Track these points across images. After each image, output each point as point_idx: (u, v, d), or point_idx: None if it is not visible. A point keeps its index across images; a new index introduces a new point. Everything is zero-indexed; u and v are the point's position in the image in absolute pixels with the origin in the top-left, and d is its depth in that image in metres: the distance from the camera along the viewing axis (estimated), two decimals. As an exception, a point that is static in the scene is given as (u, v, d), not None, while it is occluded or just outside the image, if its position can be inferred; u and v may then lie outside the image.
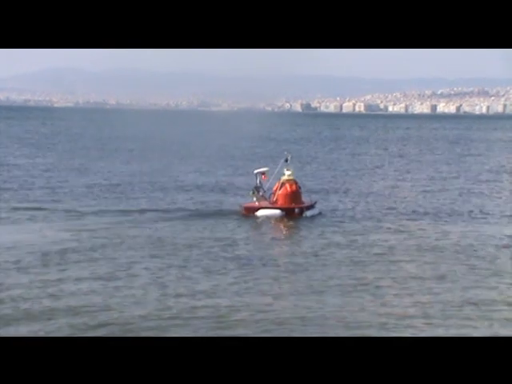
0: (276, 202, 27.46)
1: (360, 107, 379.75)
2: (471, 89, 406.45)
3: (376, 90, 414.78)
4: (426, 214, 28.87)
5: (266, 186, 27.92)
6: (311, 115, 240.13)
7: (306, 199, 28.30)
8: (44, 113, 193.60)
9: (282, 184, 27.46)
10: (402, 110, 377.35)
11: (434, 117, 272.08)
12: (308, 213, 27.30)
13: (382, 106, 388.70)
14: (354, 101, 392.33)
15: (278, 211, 26.96)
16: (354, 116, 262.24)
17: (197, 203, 30.67)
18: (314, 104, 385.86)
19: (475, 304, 15.91)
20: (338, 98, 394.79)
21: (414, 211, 29.47)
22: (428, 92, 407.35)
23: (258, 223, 26.10)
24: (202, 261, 19.88)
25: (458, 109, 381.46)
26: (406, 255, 21.04)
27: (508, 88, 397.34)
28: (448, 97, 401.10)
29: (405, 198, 33.71)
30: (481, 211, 30.43)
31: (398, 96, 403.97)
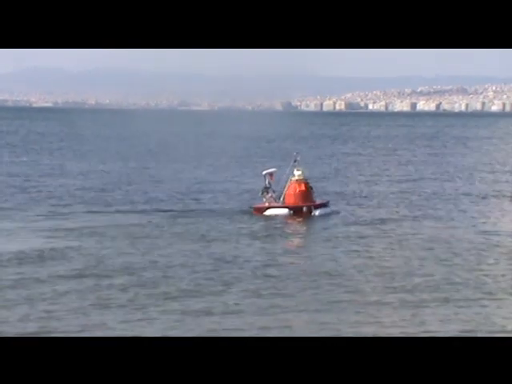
0: (286, 201, 27.90)
1: (341, 105, 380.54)
2: (450, 87, 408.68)
3: (356, 88, 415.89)
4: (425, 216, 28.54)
5: (278, 186, 28.23)
6: (292, 114, 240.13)
7: (318, 199, 28.60)
8: (21, 113, 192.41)
9: (292, 184, 27.85)
10: (383, 108, 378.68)
11: (414, 114, 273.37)
12: (317, 212, 27.40)
13: (362, 104, 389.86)
14: (334, 99, 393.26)
15: (285, 210, 27.36)
16: (334, 114, 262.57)
17: (209, 203, 30.96)
18: (295, 103, 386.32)
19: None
20: (318, 97, 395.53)
21: (416, 214, 29.38)
22: (408, 90, 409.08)
23: (265, 222, 26.30)
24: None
25: (437, 106, 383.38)
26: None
27: (486, 86, 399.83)
28: (427, 95, 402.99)
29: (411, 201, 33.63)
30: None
31: (378, 94, 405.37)
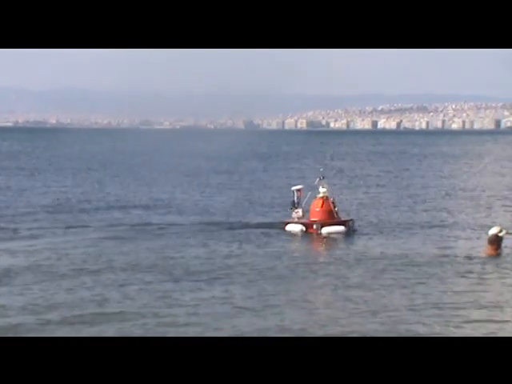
0: (309, 217, 28.32)
1: (302, 124, 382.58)
2: (411, 105, 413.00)
3: (318, 106, 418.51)
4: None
5: (304, 202, 28.65)
6: (255, 132, 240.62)
7: (342, 216, 28.69)
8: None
9: (315, 201, 28.31)
10: (344, 127, 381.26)
11: (375, 132, 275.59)
12: (324, 230, 27.56)
13: (323, 122, 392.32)
14: (296, 117, 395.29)
15: (299, 226, 27.92)
16: (295, 132, 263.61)
17: (242, 217, 31.70)
18: (257, 121, 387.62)
19: None
20: (280, 115, 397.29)
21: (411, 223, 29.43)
22: (369, 108, 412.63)
23: (278, 237, 26.79)
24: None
25: (398, 125, 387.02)
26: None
27: (446, 104, 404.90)
28: (388, 113, 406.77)
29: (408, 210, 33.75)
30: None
31: (340, 112, 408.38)
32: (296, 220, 28.23)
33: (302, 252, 24.72)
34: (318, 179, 28.54)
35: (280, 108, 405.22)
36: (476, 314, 16.02)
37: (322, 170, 29.38)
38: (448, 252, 23.80)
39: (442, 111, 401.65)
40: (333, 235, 27.24)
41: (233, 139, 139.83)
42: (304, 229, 27.74)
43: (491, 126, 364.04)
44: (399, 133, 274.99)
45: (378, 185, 48.77)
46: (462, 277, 20.07)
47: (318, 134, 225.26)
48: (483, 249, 23.46)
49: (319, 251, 25.40)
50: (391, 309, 16.40)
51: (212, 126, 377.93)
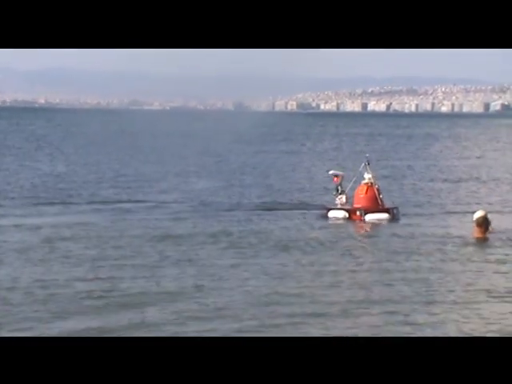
0: (354, 203, 27.63)
1: (292, 106, 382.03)
2: (400, 88, 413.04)
3: (308, 88, 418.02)
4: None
5: (347, 188, 27.92)
6: (243, 114, 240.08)
7: (387, 203, 27.91)
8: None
9: (360, 187, 27.64)
10: (334, 109, 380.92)
11: (366, 115, 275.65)
12: (367, 216, 26.91)
13: (314, 104, 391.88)
14: (286, 99, 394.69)
15: (342, 212, 27.26)
16: (286, 114, 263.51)
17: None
18: (247, 103, 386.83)
19: None
20: (270, 97, 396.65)
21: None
22: (359, 91, 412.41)
23: (320, 223, 26.25)
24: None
25: (388, 107, 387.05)
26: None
27: (436, 87, 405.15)
28: (378, 95, 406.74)
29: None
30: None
31: (330, 94, 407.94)
32: (339, 206, 27.54)
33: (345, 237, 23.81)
34: (363, 165, 27.75)
35: (269, 90, 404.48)
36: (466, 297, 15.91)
37: (367, 155, 28.45)
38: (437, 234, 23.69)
39: (431, 94, 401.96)
40: (376, 222, 26.46)
41: (253, 120, 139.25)
42: (347, 215, 27.04)
43: (480, 110, 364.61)
44: (389, 115, 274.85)
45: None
46: (453, 261, 19.95)
47: (314, 116, 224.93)
48: (471, 232, 23.35)
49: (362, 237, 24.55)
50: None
51: (202, 107, 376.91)
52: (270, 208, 29.48)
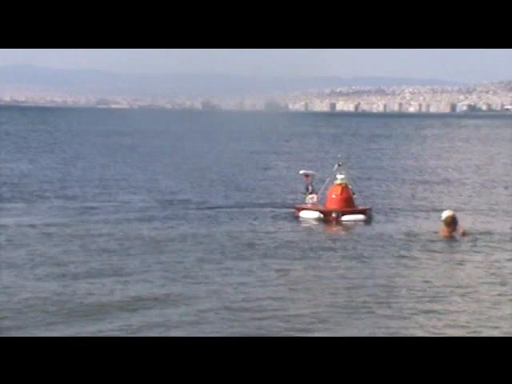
0: (325, 204, 27.29)
1: (261, 105, 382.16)
2: (368, 88, 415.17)
3: (276, 88, 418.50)
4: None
5: (322, 188, 27.62)
6: (211, 113, 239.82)
7: (360, 204, 27.86)
8: None
9: (332, 188, 27.32)
10: (302, 108, 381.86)
11: (334, 114, 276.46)
12: (344, 217, 26.60)
13: (282, 103, 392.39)
14: (254, 99, 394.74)
15: (316, 213, 26.80)
16: (254, 113, 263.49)
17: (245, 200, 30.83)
18: (215, 102, 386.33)
19: None
20: (238, 96, 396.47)
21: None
22: (327, 90, 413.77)
23: (292, 224, 25.73)
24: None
25: (356, 107, 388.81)
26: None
27: (403, 87, 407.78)
28: (346, 95, 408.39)
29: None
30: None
31: (298, 94, 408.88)
32: (310, 206, 27.17)
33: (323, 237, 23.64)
34: (336, 165, 27.50)
35: (238, 89, 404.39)
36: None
37: (340, 156, 28.08)
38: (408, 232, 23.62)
39: (399, 94, 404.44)
40: (352, 223, 26.15)
41: (222, 119, 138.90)
42: (322, 216, 26.64)
43: (447, 110, 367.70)
44: (357, 115, 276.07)
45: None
46: (426, 258, 19.83)
47: (282, 116, 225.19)
48: (439, 231, 23.31)
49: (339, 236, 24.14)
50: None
51: (170, 106, 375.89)
52: (238, 207, 29.21)
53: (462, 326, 13.62)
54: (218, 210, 28.32)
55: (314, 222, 26.24)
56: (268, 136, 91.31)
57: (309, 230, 25.09)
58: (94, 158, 51.23)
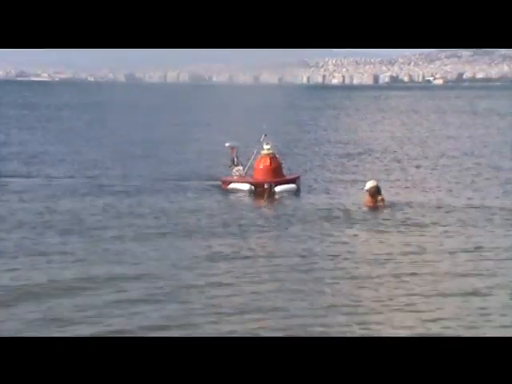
0: (253, 176, 26.90)
1: (184, 77, 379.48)
2: (292, 60, 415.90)
3: (200, 60, 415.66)
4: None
5: (250, 160, 27.16)
6: (134, 86, 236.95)
7: (288, 174, 27.50)
8: None
9: (259, 159, 26.87)
10: (226, 80, 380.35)
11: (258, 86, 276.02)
12: (277, 188, 26.26)
13: (206, 76, 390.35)
14: (178, 71, 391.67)
15: (247, 185, 26.34)
16: (178, 85, 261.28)
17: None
18: (138, 74, 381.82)
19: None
20: (162, 68, 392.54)
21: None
22: (251, 63, 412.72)
23: (224, 197, 25.35)
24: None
25: (280, 79, 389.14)
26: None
27: (326, 59, 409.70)
28: (270, 67, 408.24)
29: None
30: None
31: (222, 66, 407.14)
32: (236, 178, 26.72)
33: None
34: (263, 136, 27.17)
35: (161, 61, 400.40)
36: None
37: (264, 126, 27.60)
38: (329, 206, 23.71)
39: (322, 66, 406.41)
40: (285, 194, 26.11)
41: (145, 92, 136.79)
42: (253, 188, 26.28)
43: (370, 82, 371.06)
44: (287, 87, 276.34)
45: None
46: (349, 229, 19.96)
47: (206, 88, 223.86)
48: (363, 202, 23.46)
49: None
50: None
51: (92, 79, 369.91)
52: (162, 180, 28.85)
53: (376, 292, 13.76)
54: (141, 183, 27.98)
55: (245, 195, 26.05)
56: (192, 108, 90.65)
57: (240, 203, 24.96)
58: (12, 130, 50.06)
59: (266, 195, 25.86)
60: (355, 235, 19.21)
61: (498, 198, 25.08)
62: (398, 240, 18.63)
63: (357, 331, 11.35)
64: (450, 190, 26.82)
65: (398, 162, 36.33)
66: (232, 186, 26.58)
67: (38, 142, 43.54)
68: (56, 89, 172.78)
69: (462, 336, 10.79)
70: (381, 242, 18.41)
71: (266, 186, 26.24)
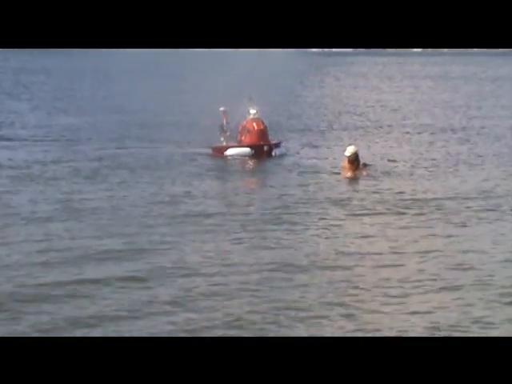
0: (244, 140, 26.46)
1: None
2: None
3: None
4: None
5: (232, 124, 26.60)
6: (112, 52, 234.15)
7: (272, 138, 27.42)
8: None
9: (248, 123, 26.43)
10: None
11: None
12: (277, 151, 26.38)
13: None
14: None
15: (247, 149, 26.07)
16: (153, 53, 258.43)
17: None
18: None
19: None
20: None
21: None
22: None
23: (226, 163, 25.11)
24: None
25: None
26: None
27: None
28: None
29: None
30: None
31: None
32: (225, 144, 26.22)
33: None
34: (248, 99, 26.66)
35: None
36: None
37: (249, 92, 27.24)
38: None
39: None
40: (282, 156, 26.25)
41: (121, 58, 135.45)
42: (253, 152, 25.98)
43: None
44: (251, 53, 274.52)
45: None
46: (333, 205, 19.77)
47: (178, 54, 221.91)
48: (343, 167, 23.04)
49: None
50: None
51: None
52: (153, 147, 28.09)
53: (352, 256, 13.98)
54: (132, 149, 27.83)
55: (247, 159, 25.73)
56: (169, 74, 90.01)
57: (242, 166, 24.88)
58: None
59: (274, 155, 25.99)
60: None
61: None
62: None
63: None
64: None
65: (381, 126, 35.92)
66: (230, 151, 26.14)
67: (13, 107, 42.90)
68: (30, 54, 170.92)
69: (461, 336, 10.71)
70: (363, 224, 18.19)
71: (265, 149, 26.19)
